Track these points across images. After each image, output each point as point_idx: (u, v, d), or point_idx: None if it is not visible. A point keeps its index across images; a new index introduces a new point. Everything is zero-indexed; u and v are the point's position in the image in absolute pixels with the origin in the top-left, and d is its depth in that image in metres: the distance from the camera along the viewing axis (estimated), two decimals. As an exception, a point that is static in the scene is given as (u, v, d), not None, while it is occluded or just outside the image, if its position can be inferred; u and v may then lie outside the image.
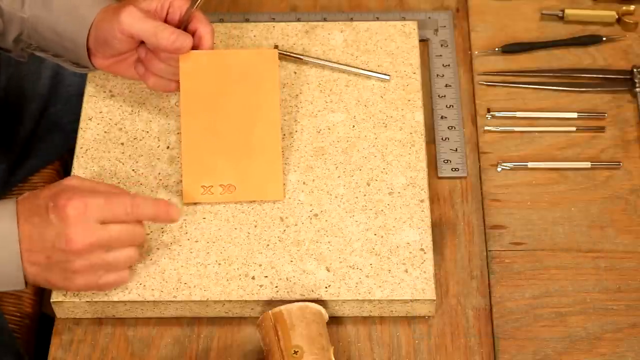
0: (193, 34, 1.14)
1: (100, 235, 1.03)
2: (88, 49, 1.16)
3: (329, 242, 1.12)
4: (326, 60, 1.25)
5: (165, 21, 1.14)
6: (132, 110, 1.22)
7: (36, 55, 1.21)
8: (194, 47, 1.13)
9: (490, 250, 1.14)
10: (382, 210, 1.14)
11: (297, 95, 1.23)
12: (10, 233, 1.03)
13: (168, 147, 1.19)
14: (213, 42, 1.15)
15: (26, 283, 1.05)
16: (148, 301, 1.09)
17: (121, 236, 1.05)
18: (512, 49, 1.30)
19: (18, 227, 1.03)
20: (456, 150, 1.22)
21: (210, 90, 1.15)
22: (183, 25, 1.14)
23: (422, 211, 1.14)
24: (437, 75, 1.28)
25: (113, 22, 1.12)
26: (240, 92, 1.15)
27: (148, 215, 1.07)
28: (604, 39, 1.30)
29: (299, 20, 1.32)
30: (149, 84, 1.17)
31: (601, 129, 1.23)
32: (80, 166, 1.18)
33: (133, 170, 1.18)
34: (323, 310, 1.06)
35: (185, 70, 1.14)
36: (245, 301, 1.09)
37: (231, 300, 1.09)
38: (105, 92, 1.24)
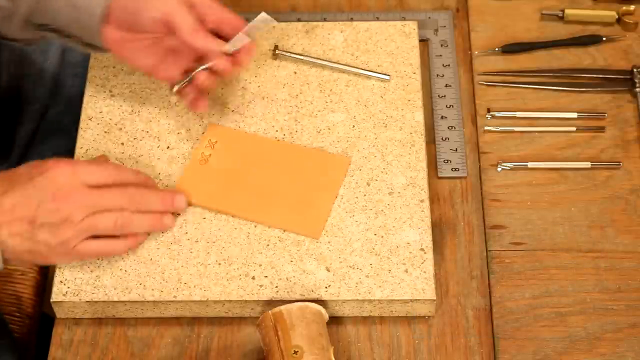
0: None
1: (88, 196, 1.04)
2: (106, 16, 1.11)
3: (329, 242, 1.12)
4: (326, 60, 1.25)
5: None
6: (132, 110, 1.22)
7: (41, 44, 1.17)
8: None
9: (490, 250, 1.14)
10: (382, 210, 1.14)
11: (297, 95, 1.23)
12: None
13: (168, 147, 1.19)
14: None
15: (5, 260, 1.03)
16: (148, 301, 1.09)
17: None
18: (512, 49, 1.30)
19: None
20: (456, 150, 1.22)
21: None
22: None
23: (422, 211, 1.14)
24: (437, 75, 1.28)
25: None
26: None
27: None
28: (604, 39, 1.30)
29: (299, 20, 1.32)
30: (159, 75, 1.16)
31: (601, 129, 1.23)
32: (80, 166, 1.18)
33: (133, 170, 1.18)
34: (323, 310, 1.06)
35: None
36: (245, 301, 1.09)
37: (231, 300, 1.09)
38: (105, 92, 1.24)
